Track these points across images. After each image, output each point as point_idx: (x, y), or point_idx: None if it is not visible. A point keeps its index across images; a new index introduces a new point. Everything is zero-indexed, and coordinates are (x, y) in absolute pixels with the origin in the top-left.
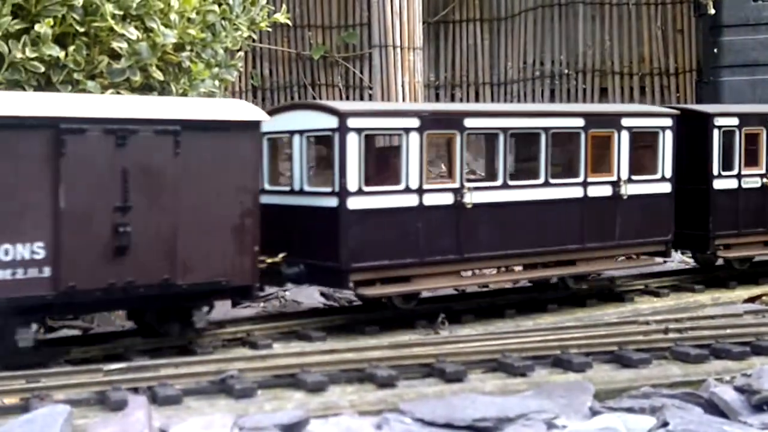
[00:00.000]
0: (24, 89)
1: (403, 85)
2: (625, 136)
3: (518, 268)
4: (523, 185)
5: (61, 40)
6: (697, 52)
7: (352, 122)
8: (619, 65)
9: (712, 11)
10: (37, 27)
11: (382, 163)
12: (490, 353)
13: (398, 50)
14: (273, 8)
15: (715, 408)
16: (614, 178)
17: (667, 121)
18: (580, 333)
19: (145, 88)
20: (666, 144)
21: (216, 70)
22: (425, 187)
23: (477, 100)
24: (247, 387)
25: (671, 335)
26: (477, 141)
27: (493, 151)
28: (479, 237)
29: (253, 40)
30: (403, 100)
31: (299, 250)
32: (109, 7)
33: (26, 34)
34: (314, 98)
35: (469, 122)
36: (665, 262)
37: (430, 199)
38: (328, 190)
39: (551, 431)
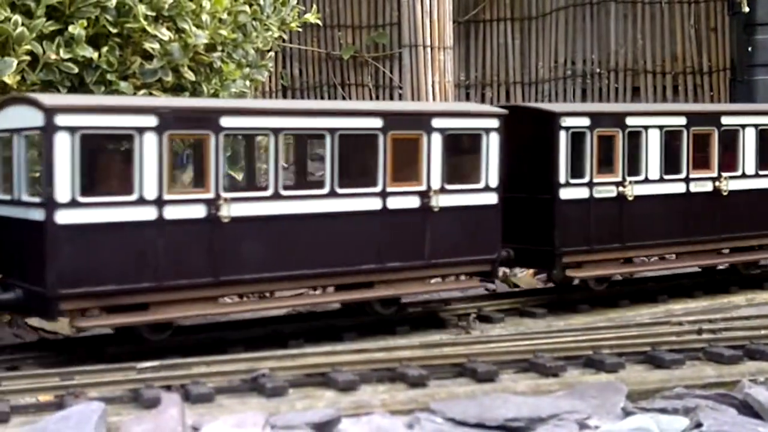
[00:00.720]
0: (58, 90)
1: (433, 85)
2: (436, 139)
3: (318, 291)
4: (302, 196)
5: (94, 41)
6: (730, 51)
7: (62, 119)
8: (652, 64)
9: (746, 9)
10: (70, 28)
11: (108, 169)
12: (521, 353)
13: (428, 50)
14: (303, 8)
15: (749, 409)
16: (423, 188)
17: (492, 122)
18: (612, 333)
19: (177, 89)
20: (490, 148)
21: (247, 70)
22: (166, 197)
23: (508, 99)
24: (279, 386)
25: (705, 336)
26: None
27: (265, 155)
28: (242, 257)
29: (284, 41)
30: (434, 99)
31: (17, 271)
32: (142, 9)
33: (60, 36)
34: (344, 98)
35: (226, 121)
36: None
37: (173, 212)
38: (37, 200)
39: (583, 431)
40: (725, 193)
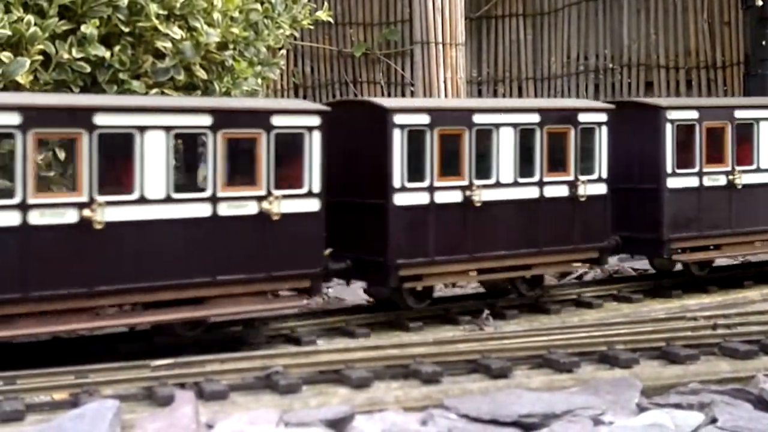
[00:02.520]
0: (71, 89)
1: (445, 82)
2: None
3: None
4: None
5: (106, 41)
6: (744, 45)
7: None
8: (665, 59)
9: (760, 3)
10: (83, 28)
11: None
12: (535, 349)
13: (440, 46)
14: (315, 6)
15: (764, 404)
16: None
17: None
18: (626, 329)
19: (189, 87)
20: None
21: (258, 68)
22: None
23: (520, 95)
24: (292, 383)
25: (720, 331)
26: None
27: None
28: None
29: (295, 38)
30: (446, 96)
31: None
32: (154, 7)
33: (72, 35)
34: (356, 96)
35: None
36: None
37: None
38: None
39: (598, 427)
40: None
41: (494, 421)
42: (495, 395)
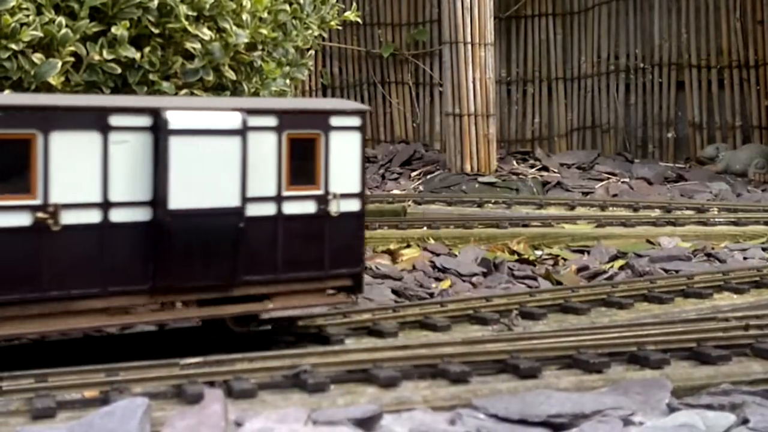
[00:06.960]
0: (101, 90)
1: (474, 82)
2: None
3: None
4: None
5: (136, 42)
6: None
7: None
8: (697, 58)
9: None
10: (113, 29)
11: None
12: (564, 350)
13: (469, 46)
14: (343, 6)
15: None
16: None
17: None
18: (657, 330)
19: (218, 88)
20: None
21: (287, 69)
22: None
23: (549, 95)
24: (320, 381)
25: (752, 332)
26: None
27: None
28: None
29: (324, 39)
30: (474, 96)
31: None
32: (183, 9)
33: (103, 37)
34: (384, 96)
35: None
36: None
37: None
38: None
39: (628, 428)
40: None
41: (523, 421)
42: (524, 395)
